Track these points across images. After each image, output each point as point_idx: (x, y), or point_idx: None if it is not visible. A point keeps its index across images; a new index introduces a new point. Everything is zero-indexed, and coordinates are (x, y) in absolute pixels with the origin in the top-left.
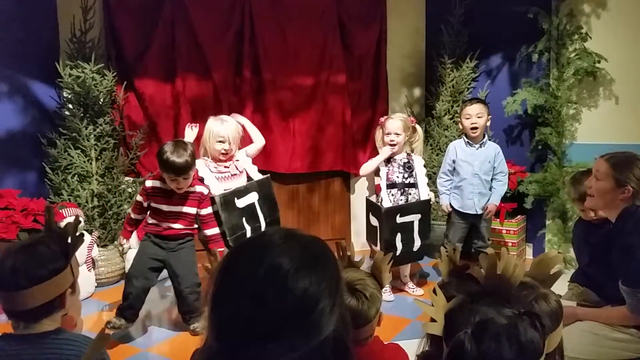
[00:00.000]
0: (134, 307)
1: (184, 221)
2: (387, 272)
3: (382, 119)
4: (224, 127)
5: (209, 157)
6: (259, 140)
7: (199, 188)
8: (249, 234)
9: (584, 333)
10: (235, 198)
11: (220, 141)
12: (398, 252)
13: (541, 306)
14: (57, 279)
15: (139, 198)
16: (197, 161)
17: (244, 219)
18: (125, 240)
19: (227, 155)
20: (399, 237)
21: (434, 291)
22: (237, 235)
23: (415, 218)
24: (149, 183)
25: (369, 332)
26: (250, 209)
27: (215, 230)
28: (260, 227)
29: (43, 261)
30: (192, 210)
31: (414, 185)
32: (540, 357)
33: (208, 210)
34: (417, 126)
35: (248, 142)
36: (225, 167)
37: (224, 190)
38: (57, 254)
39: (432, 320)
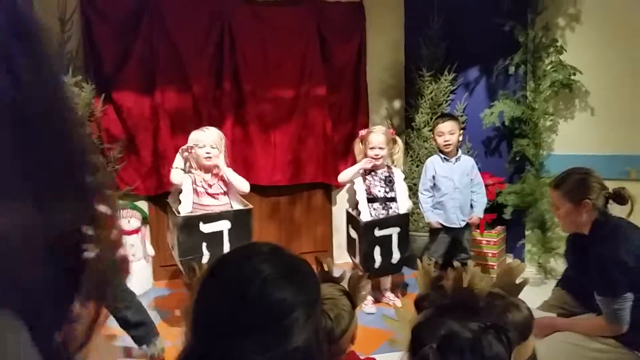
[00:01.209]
0: None
1: None
2: (361, 292)
3: (361, 132)
4: (204, 133)
5: (196, 169)
6: (243, 189)
7: None
8: (205, 260)
9: (564, 344)
10: (201, 222)
11: (200, 146)
12: (377, 265)
13: (514, 315)
14: None
15: None
16: (182, 174)
17: (204, 244)
18: None
19: (211, 159)
20: (377, 250)
21: (416, 304)
22: (191, 258)
23: (394, 231)
24: None
25: (336, 351)
26: (215, 235)
27: None
28: None
29: None
30: None
31: (394, 199)
32: None
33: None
34: (397, 138)
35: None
36: (209, 184)
37: (193, 205)
38: None
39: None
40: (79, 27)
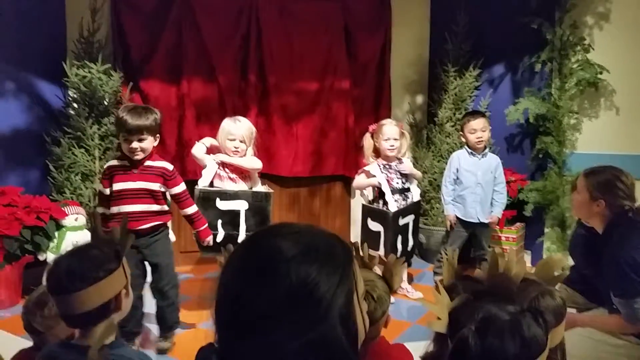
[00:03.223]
0: (134, 317)
1: (148, 200)
2: (398, 275)
3: (372, 127)
4: (236, 125)
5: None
6: (255, 166)
7: (160, 163)
8: (219, 238)
9: (584, 339)
10: (218, 198)
11: (231, 139)
12: (398, 254)
13: (547, 301)
14: (111, 279)
15: (100, 187)
16: (204, 152)
17: (219, 221)
18: None
19: (238, 153)
20: (399, 239)
21: (436, 288)
22: None
23: (410, 219)
24: (108, 165)
25: (374, 333)
26: (232, 214)
27: (195, 208)
28: (237, 236)
29: (97, 262)
30: (154, 186)
31: (409, 189)
32: (542, 352)
33: (180, 188)
34: (405, 132)
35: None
36: (231, 169)
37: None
38: (108, 255)
39: (438, 318)
40: (109, 16)
